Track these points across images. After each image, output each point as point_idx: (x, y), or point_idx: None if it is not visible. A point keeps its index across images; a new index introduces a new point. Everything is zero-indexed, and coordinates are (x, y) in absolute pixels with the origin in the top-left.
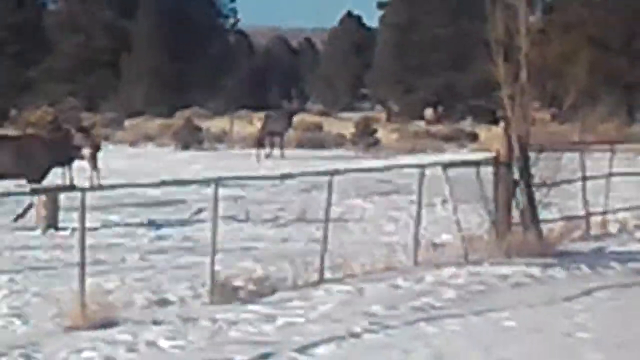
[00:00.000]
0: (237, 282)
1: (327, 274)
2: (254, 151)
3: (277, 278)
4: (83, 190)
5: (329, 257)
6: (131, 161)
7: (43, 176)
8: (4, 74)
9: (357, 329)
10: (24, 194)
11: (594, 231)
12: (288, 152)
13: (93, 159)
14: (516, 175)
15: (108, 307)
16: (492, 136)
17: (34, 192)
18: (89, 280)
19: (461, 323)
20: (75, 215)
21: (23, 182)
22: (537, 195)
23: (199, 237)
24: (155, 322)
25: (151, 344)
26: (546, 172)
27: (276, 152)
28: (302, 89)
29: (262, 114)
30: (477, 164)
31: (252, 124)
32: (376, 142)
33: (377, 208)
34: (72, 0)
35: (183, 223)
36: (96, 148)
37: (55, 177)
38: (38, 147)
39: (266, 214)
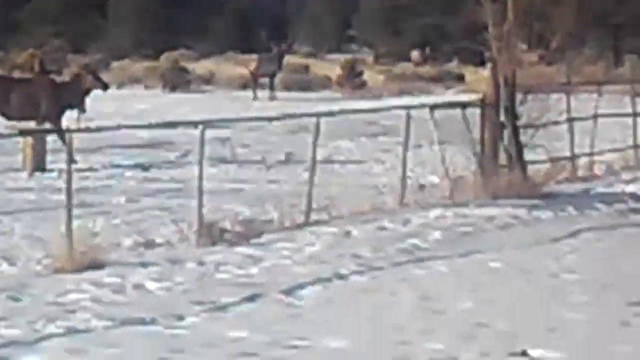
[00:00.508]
0: (224, 224)
1: (314, 216)
2: (241, 93)
3: (263, 220)
4: (70, 131)
5: (315, 199)
6: (118, 103)
7: (57, 118)
8: None
9: (344, 271)
10: (12, 135)
11: (580, 173)
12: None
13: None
14: (503, 117)
15: (95, 249)
16: (478, 78)
17: (22, 133)
18: (76, 223)
19: (447, 264)
20: (63, 157)
21: (12, 123)
22: (524, 136)
23: (186, 179)
24: (143, 264)
25: (138, 286)
26: (533, 114)
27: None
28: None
29: (251, 56)
30: (463, 105)
31: (247, 66)
32: (363, 84)
33: (364, 150)
34: None
35: (170, 165)
36: (106, 88)
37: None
38: (49, 90)
39: (253, 156)
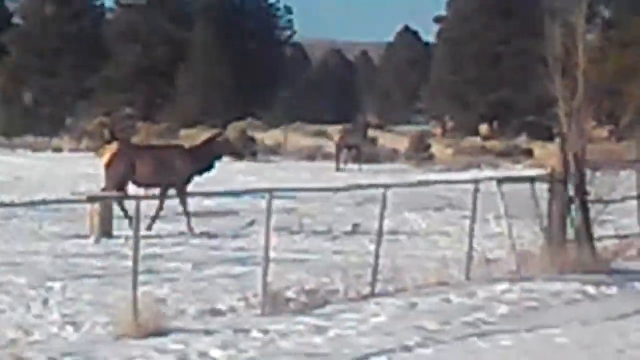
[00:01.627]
0: (289, 294)
1: (379, 288)
2: (307, 163)
3: (328, 290)
4: (137, 198)
5: (381, 271)
6: None
7: (185, 184)
8: (62, 83)
9: (409, 343)
10: (80, 201)
11: None
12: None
13: None
14: (571, 192)
15: (160, 316)
16: (547, 153)
17: (90, 199)
18: (141, 289)
19: (513, 339)
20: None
21: (81, 189)
22: (592, 212)
23: (252, 248)
24: (207, 332)
25: (203, 354)
26: (601, 190)
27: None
28: (357, 102)
29: (335, 127)
30: (531, 179)
31: (331, 137)
32: (430, 157)
33: (430, 222)
34: (130, 9)
35: (236, 234)
36: (238, 156)
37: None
38: (182, 158)
39: (319, 226)
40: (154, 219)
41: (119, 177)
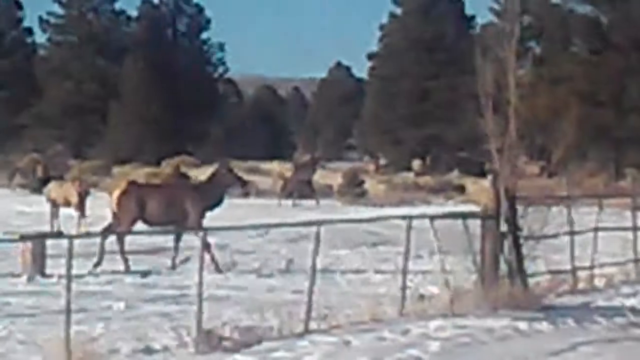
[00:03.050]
0: (223, 332)
1: (313, 325)
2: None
3: (262, 328)
4: (70, 237)
5: (315, 308)
6: None
7: (200, 219)
8: None
9: None
10: (12, 240)
11: (580, 286)
12: (273, 201)
13: (81, 206)
14: (503, 228)
15: (93, 355)
16: (479, 188)
17: (22, 238)
18: (74, 328)
19: None
20: (62, 262)
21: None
22: (525, 248)
23: (186, 286)
24: None
25: None
26: (534, 226)
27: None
28: (290, 138)
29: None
30: (464, 216)
31: (282, 174)
32: (364, 193)
33: (364, 259)
34: (62, 46)
35: (170, 271)
36: (244, 185)
37: (43, 223)
38: (191, 194)
39: (252, 264)
40: (174, 259)
41: (132, 216)
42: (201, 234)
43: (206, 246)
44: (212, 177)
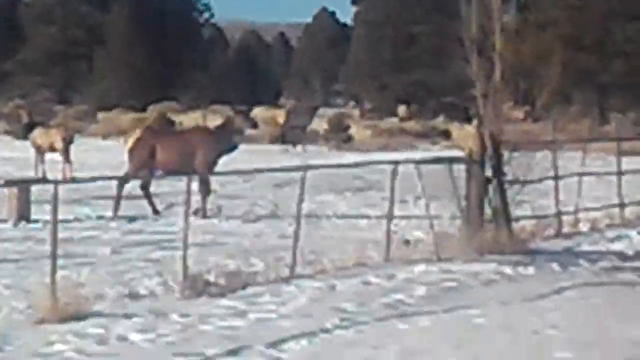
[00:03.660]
0: (209, 277)
1: (299, 270)
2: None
3: (248, 273)
4: (55, 182)
5: (300, 253)
6: (103, 154)
7: (212, 166)
8: None
9: (328, 325)
10: None
11: (565, 230)
12: (260, 147)
13: (66, 152)
14: (489, 173)
15: (79, 300)
16: (464, 134)
17: (7, 184)
18: (60, 273)
19: (432, 320)
20: (47, 207)
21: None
22: (509, 193)
23: (171, 231)
24: (127, 316)
25: (122, 337)
26: (518, 170)
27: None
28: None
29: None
30: (449, 161)
31: (275, 118)
32: (349, 139)
33: (349, 204)
34: None
35: (155, 217)
36: (255, 127)
37: (28, 168)
38: (208, 139)
39: (238, 209)
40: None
41: (140, 162)
42: (185, 179)
43: (207, 192)
44: (226, 122)
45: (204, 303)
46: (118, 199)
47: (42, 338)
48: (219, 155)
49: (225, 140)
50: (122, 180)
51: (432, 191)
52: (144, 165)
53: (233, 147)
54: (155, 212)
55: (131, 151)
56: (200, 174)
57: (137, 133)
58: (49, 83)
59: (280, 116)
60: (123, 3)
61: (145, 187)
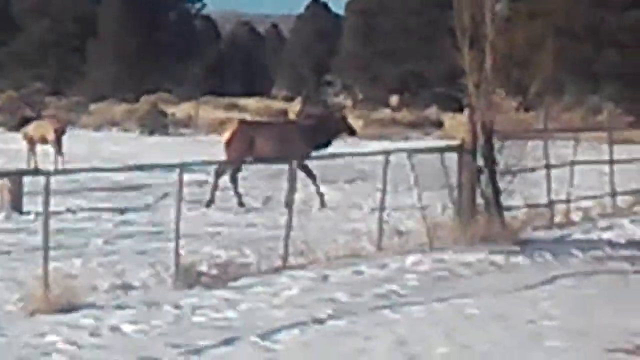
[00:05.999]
0: (201, 268)
1: (291, 260)
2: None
3: (241, 264)
4: (47, 174)
5: (292, 243)
6: (95, 146)
7: (304, 159)
8: None
9: (321, 315)
10: None
11: (557, 219)
12: None
13: (58, 144)
14: (480, 163)
15: (71, 292)
16: (456, 124)
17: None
18: (52, 265)
19: (424, 310)
20: (40, 199)
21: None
22: (501, 182)
23: (164, 222)
24: (119, 307)
25: (115, 328)
26: (510, 160)
27: None
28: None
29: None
30: (441, 150)
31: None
32: None
33: (341, 194)
34: None
35: (148, 208)
36: (353, 135)
37: (20, 161)
38: (298, 133)
39: (231, 200)
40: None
41: (239, 154)
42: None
43: (314, 177)
44: (325, 120)
45: (197, 294)
46: (214, 189)
47: (35, 329)
48: (311, 150)
49: (318, 136)
50: (219, 171)
51: (425, 181)
52: (241, 157)
53: (328, 142)
54: (241, 204)
55: (228, 143)
56: (298, 166)
57: (234, 126)
58: (42, 75)
59: (292, 109)
60: None
61: (234, 179)
